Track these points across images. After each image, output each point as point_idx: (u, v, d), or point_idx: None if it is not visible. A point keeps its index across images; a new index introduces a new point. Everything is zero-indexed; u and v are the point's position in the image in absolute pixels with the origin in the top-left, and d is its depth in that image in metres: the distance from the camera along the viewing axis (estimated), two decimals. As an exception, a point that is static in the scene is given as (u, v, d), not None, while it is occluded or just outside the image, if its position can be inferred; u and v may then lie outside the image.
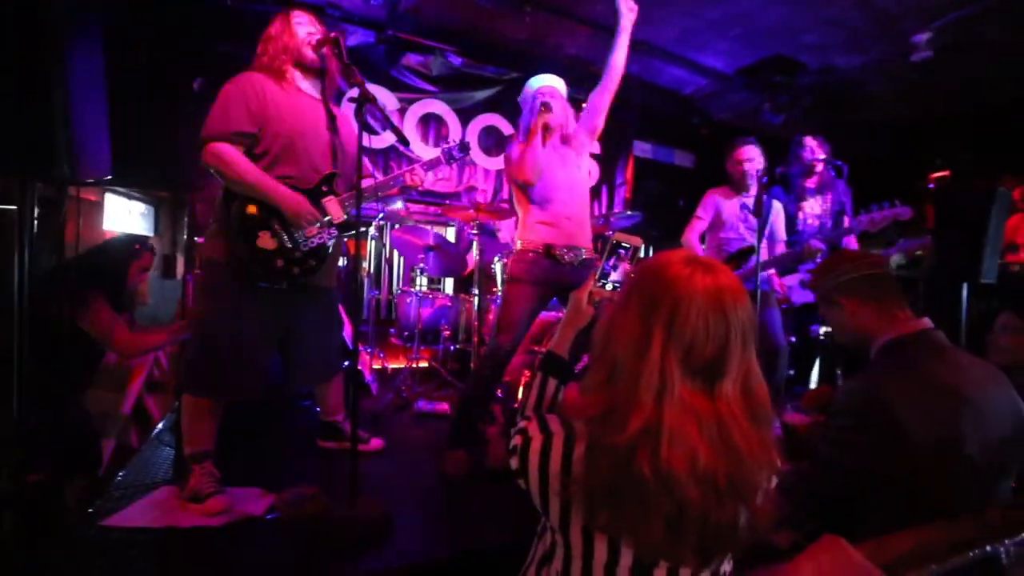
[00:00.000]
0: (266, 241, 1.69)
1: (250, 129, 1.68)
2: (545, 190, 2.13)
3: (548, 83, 2.25)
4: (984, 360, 1.12)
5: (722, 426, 0.68)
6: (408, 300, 3.29)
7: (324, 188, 1.81)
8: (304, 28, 1.82)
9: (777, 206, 2.95)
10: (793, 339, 3.75)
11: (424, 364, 3.57)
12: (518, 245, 2.16)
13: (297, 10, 1.85)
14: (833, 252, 1.38)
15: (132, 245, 2.28)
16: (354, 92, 1.62)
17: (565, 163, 2.20)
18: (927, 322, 1.13)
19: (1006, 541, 0.79)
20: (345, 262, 4.25)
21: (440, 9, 3.66)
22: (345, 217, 1.82)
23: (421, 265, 3.25)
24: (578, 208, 2.18)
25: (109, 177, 1.43)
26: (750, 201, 2.87)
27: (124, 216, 3.98)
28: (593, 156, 4.88)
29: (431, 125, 4.21)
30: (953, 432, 0.98)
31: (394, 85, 4.03)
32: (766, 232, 2.93)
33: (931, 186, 4.77)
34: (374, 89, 3.93)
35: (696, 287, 0.70)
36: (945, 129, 5.11)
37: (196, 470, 1.70)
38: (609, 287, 1.00)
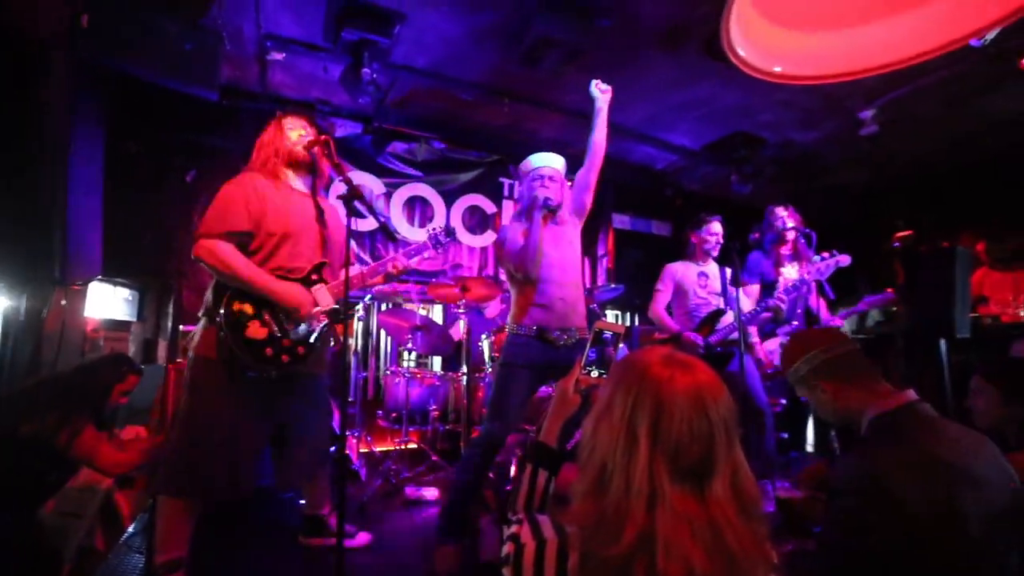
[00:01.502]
0: (256, 331, 1.73)
1: (245, 228, 1.76)
2: (540, 271, 2.10)
3: (550, 164, 2.25)
4: (971, 429, 1.13)
5: (715, 530, 0.67)
6: (395, 381, 3.25)
7: (314, 277, 1.87)
8: (295, 131, 1.95)
9: (728, 270, 3.09)
10: (783, 401, 3.75)
11: (413, 445, 3.47)
12: (511, 327, 2.13)
13: (290, 116, 2.00)
14: (792, 337, 1.38)
15: (119, 368, 2.27)
16: (342, 188, 1.73)
17: (559, 242, 2.21)
18: (912, 394, 1.15)
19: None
20: (333, 343, 4.23)
21: (424, 102, 3.93)
22: (334, 305, 1.87)
23: (409, 345, 3.25)
24: (572, 288, 2.18)
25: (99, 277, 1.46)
26: (707, 268, 3.09)
27: (108, 302, 3.96)
28: (574, 229, 5.06)
29: (416, 207, 4.37)
30: (954, 509, 0.97)
31: (381, 171, 4.22)
32: (726, 295, 3.05)
33: (896, 245, 4.99)
34: (361, 175, 4.12)
35: (677, 388, 0.72)
36: (903, 191, 5.45)
37: (168, 582, 1.59)
38: (595, 374, 1.02)
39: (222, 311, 1.70)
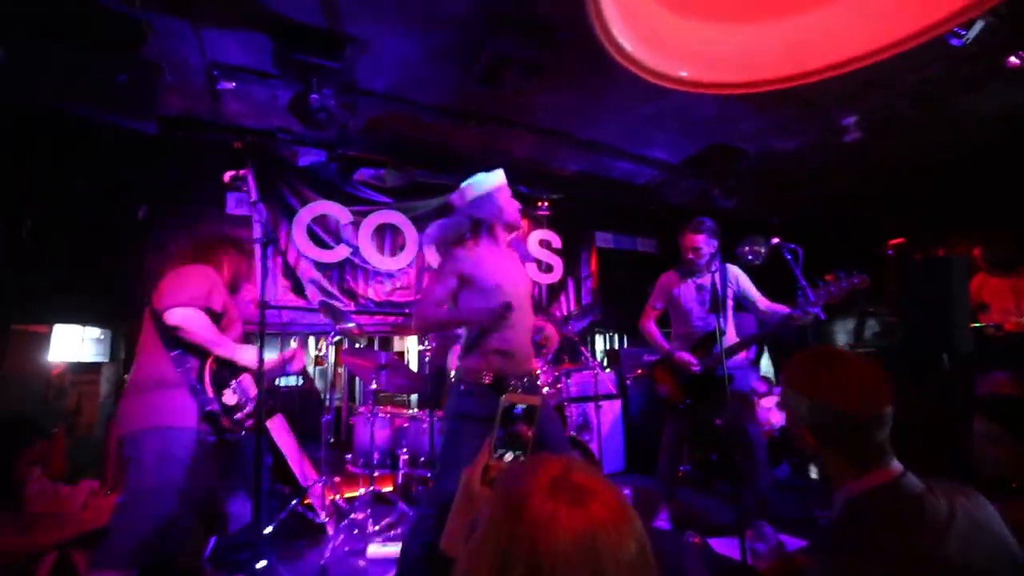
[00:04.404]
0: (229, 397, 1.90)
1: (219, 309, 1.94)
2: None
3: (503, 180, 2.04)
4: (965, 489, 0.93)
5: None
6: (363, 422, 3.03)
7: None
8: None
9: (735, 272, 2.80)
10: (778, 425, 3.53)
11: (388, 488, 3.24)
12: (462, 374, 1.88)
13: None
14: (820, 356, 1.02)
15: (22, 434, 2.07)
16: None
17: (519, 272, 2.02)
18: (895, 468, 0.94)
19: None
20: (301, 381, 4.01)
21: (387, 128, 3.77)
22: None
23: (374, 385, 3.04)
24: (529, 329, 1.97)
25: None
26: (704, 281, 2.80)
27: (75, 345, 3.76)
28: (555, 251, 4.87)
29: (387, 234, 4.18)
30: None
31: (348, 199, 4.04)
32: (739, 302, 2.80)
33: (889, 252, 4.82)
34: (328, 205, 3.95)
35: (559, 534, 0.51)
36: (892, 197, 5.31)
37: None
38: (509, 456, 0.82)
39: (203, 377, 1.82)
